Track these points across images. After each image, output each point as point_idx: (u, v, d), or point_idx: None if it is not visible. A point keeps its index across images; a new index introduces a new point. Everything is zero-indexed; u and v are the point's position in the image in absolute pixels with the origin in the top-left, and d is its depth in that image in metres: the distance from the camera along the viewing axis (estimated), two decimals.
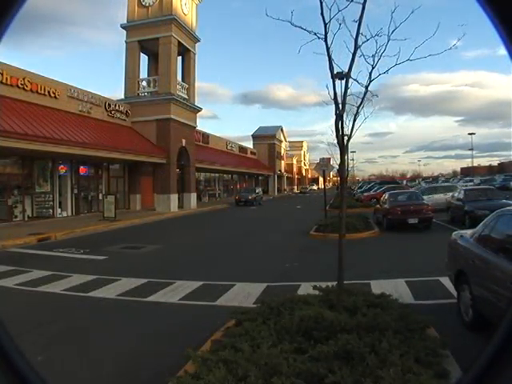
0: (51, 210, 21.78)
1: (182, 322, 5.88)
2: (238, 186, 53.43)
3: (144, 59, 30.47)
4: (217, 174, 47.49)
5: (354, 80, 4.71)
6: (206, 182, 45.27)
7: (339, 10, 4.30)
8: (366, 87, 4.70)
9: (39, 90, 19.93)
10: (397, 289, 6.98)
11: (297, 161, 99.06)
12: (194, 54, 31.87)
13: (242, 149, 57.32)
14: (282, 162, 76.49)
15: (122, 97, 28.77)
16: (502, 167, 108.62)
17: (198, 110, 32.50)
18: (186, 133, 30.09)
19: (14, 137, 15.88)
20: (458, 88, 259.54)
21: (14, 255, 11.78)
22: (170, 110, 27.56)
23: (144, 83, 29.38)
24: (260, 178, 66.62)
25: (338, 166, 5.99)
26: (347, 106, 4.76)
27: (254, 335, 3.96)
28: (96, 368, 4.40)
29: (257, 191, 40.30)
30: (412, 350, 3.61)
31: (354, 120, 4.89)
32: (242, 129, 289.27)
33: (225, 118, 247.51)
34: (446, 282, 6.55)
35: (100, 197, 24.76)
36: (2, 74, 17.66)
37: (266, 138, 67.43)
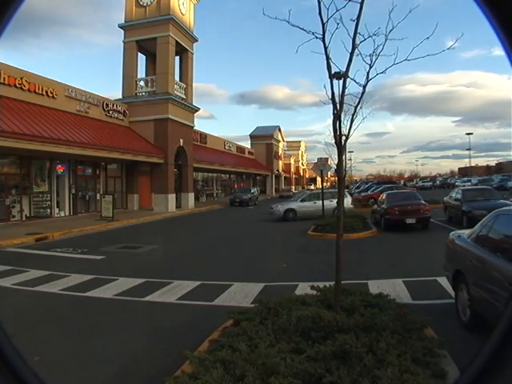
0: (49, 210, 21.73)
1: (179, 322, 5.87)
2: (236, 186, 53.38)
3: (142, 59, 30.49)
4: (215, 174, 47.48)
5: (352, 79, 4.70)
6: (203, 182, 45.25)
7: (337, 10, 4.30)
8: (364, 86, 4.69)
9: (37, 90, 19.87)
10: (394, 289, 6.99)
11: (294, 161, 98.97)
12: (192, 53, 31.84)
13: (240, 149, 57.29)
14: (280, 161, 76.40)
15: (120, 97, 28.73)
16: (500, 167, 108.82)
17: (196, 109, 32.45)
18: (183, 133, 30.06)
19: (13, 136, 15.84)
20: (455, 88, 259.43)
21: (11, 255, 11.75)
22: (168, 109, 27.52)
23: (142, 83, 29.34)
24: (258, 177, 66.59)
25: (335, 166, 5.97)
26: (345, 106, 4.76)
27: (251, 335, 3.95)
28: (94, 368, 4.39)
29: (252, 191, 39.68)
30: (409, 350, 3.61)
31: (352, 120, 4.89)
32: (240, 129, 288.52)
33: (222, 119, 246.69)
34: (444, 281, 6.56)
35: (98, 197, 24.72)
36: (0, 74, 17.61)
37: (264, 137, 67.39)
